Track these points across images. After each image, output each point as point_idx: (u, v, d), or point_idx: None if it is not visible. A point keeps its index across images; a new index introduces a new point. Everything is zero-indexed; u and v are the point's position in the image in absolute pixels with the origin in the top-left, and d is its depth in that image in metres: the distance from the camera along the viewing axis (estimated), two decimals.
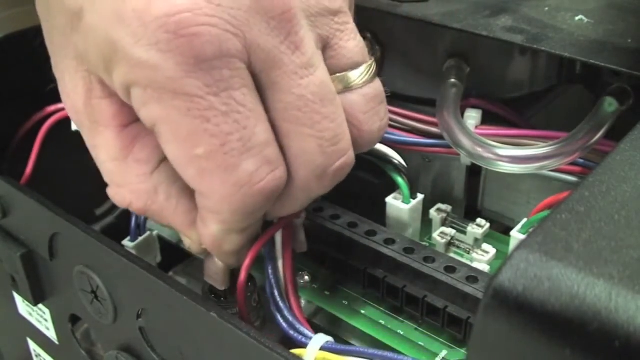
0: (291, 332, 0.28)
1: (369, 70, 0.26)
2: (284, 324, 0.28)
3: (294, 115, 0.24)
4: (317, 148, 0.24)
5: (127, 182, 0.26)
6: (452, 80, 0.33)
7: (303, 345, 0.27)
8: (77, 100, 0.26)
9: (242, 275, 0.28)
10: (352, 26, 0.26)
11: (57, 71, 0.26)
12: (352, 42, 0.25)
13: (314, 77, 0.24)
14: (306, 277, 0.33)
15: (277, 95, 0.23)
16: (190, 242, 0.28)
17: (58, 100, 0.36)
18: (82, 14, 0.23)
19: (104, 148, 0.26)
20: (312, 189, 0.25)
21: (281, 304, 0.29)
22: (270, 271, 0.29)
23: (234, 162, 0.23)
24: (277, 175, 0.24)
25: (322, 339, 0.27)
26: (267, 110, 0.24)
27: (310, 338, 0.27)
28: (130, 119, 0.26)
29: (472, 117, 0.33)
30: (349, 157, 0.25)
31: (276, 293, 0.29)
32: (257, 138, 0.23)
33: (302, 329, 0.28)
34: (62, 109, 0.36)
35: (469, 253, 0.33)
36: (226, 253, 0.27)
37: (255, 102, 0.23)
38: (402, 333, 0.30)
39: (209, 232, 0.26)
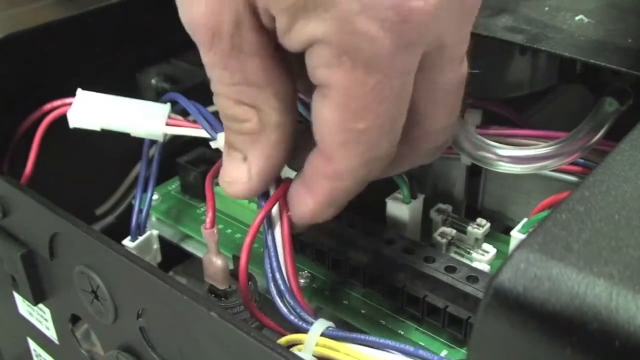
0: (292, 317, 0.27)
1: None
2: (285, 309, 0.27)
3: (440, 96, 0.26)
4: (443, 130, 0.27)
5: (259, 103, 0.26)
6: None
7: (304, 331, 0.26)
8: (222, 24, 0.24)
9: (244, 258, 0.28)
10: None
11: None
12: None
13: (464, 67, 0.26)
14: (306, 277, 0.33)
15: (434, 76, 0.25)
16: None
17: (56, 97, 0.36)
18: None
19: (241, 73, 0.25)
20: (426, 160, 0.29)
21: (282, 287, 0.28)
22: (271, 253, 0.28)
23: (379, 141, 0.24)
24: (395, 149, 0.26)
25: (323, 324, 0.26)
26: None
27: (311, 323, 0.26)
28: (272, 49, 0.25)
29: (472, 117, 0.33)
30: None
31: (277, 276, 0.28)
32: (402, 121, 0.25)
33: (304, 314, 0.27)
34: (59, 107, 0.35)
35: (469, 253, 0.33)
36: (312, 222, 0.28)
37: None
38: (402, 333, 0.30)
39: (313, 201, 0.27)
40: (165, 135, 0.34)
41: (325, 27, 0.22)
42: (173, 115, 0.34)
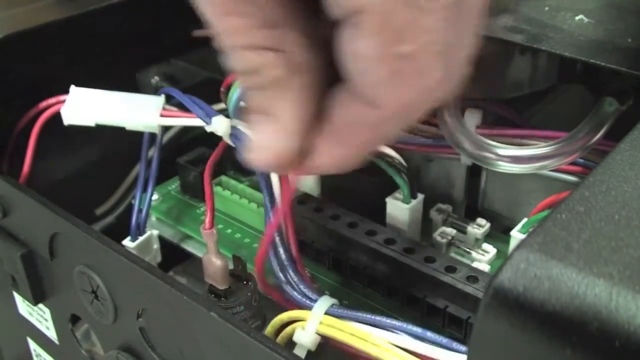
0: (295, 293, 0.26)
1: None
2: (287, 286, 0.27)
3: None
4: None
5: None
6: None
7: (308, 308, 0.25)
8: None
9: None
10: None
11: None
12: None
13: None
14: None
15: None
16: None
17: (51, 95, 0.36)
18: None
19: (254, 15, 0.22)
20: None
21: (286, 262, 0.27)
22: (276, 232, 0.28)
23: (431, 66, 0.21)
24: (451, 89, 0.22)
25: (327, 301, 0.25)
26: None
27: (315, 300, 0.26)
28: None
29: (472, 117, 0.33)
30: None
31: (281, 251, 0.27)
32: (454, 40, 0.21)
33: (307, 290, 0.26)
34: (54, 104, 0.35)
35: (469, 253, 0.33)
36: (334, 172, 0.24)
37: None
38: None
39: (344, 152, 0.23)
40: (161, 127, 0.34)
41: None
42: (167, 107, 0.34)
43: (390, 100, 0.21)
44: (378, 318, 0.25)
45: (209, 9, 0.22)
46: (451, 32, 0.21)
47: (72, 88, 0.35)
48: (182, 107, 0.34)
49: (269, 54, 0.22)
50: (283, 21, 0.22)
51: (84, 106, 0.34)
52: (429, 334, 0.24)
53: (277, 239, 0.28)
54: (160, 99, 0.34)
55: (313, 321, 0.25)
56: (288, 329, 0.26)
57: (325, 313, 0.25)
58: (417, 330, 0.24)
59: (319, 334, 0.25)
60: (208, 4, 0.22)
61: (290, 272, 0.27)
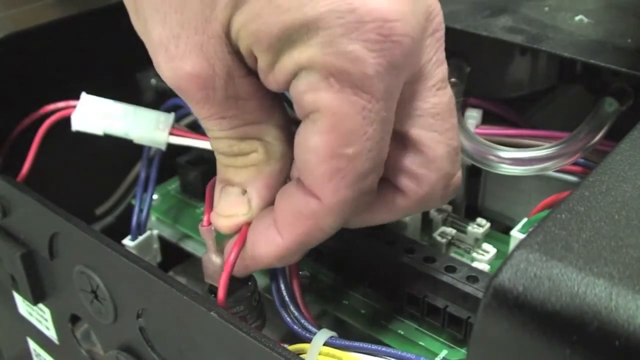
0: (295, 326, 0.28)
1: None
2: (289, 318, 0.28)
3: (429, 122, 0.25)
4: (447, 155, 0.25)
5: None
6: (453, 80, 0.33)
7: (307, 340, 0.27)
8: (213, 79, 0.25)
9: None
10: None
11: (175, 49, 0.25)
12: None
13: (447, 90, 0.26)
14: (306, 277, 0.33)
15: (416, 103, 0.25)
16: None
17: (57, 99, 0.36)
18: None
19: (240, 117, 0.26)
20: (435, 198, 0.26)
21: (287, 298, 0.29)
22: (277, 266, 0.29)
23: (366, 170, 0.24)
24: (375, 188, 0.25)
25: (326, 334, 0.26)
26: (398, 118, 0.25)
27: (314, 333, 0.27)
28: (265, 90, 0.26)
29: (472, 117, 0.33)
30: (460, 171, 0.27)
31: (282, 287, 0.29)
32: (386, 150, 0.24)
33: (307, 324, 0.28)
34: (63, 109, 0.35)
35: (469, 253, 0.33)
36: (272, 264, 0.27)
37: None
38: (402, 333, 0.30)
39: (283, 243, 0.26)
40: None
41: (311, 52, 0.23)
42: (177, 126, 0.35)
43: (329, 194, 0.24)
44: (374, 347, 0.26)
45: (197, 110, 0.26)
46: (384, 141, 0.24)
47: (84, 95, 0.35)
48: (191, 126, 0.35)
49: (250, 140, 0.27)
50: (264, 119, 0.26)
51: (94, 115, 0.35)
52: None
53: (279, 273, 0.29)
54: (170, 117, 0.35)
55: (313, 352, 0.26)
56: None
57: (324, 344, 0.26)
58: (412, 357, 0.25)
59: None
60: (197, 107, 0.26)
61: (291, 307, 0.29)
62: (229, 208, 0.28)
